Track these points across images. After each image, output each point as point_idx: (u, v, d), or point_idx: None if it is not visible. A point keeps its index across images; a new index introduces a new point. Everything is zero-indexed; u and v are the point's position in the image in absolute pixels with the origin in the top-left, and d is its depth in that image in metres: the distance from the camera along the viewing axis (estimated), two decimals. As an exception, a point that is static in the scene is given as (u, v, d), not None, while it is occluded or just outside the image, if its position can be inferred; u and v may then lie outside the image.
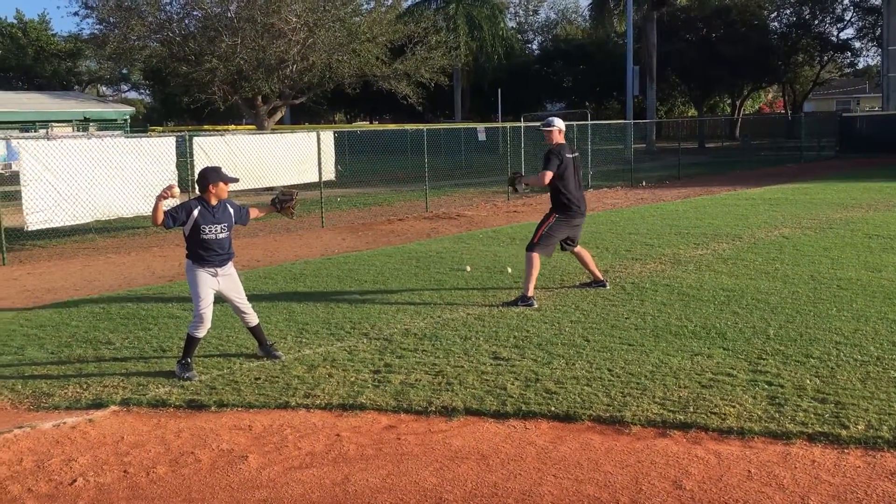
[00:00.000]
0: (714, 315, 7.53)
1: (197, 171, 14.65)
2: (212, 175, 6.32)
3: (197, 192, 6.47)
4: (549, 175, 8.33)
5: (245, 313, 6.52)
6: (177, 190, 6.05)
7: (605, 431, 4.91)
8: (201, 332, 6.26)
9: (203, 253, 6.26)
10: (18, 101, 37.13)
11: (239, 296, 6.49)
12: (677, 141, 30.97)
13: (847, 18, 52.48)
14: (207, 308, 6.24)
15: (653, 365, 6.06)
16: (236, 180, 6.55)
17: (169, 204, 6.42)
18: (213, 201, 6.32)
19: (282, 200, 6.81)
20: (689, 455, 4.53)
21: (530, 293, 8.22)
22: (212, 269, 6.29)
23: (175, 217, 6.22)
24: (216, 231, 6.27)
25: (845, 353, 6.20)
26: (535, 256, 8.36)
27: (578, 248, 8.86)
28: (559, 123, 8.57)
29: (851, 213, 15.12)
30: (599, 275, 8.97)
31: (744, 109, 59.04)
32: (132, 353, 6.90)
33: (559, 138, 8.52)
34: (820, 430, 4.74)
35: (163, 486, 4.36)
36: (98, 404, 5.63)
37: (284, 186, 19.09)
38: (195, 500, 4.20)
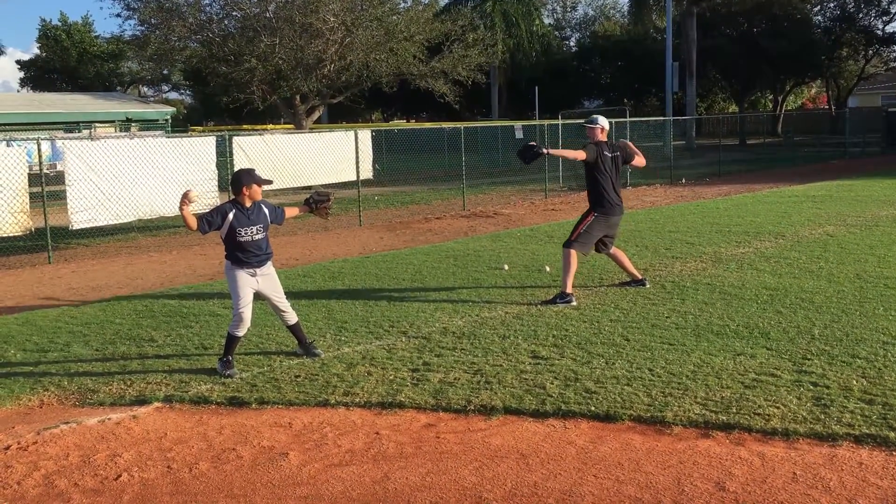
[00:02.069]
0: (757, 314, 7.41)
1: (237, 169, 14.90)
2: (245, 177, 6.38)
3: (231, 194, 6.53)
4: (583, 154, 8.41)
5: (284, 312, 6.57)
6: (194, 194, 6.13)
7: (645, 432, 4.86)
8: (241, 332, 6.33)
9: (241, 255, 6.34)
10: (63, 102, 37.85)
11: (278, 295, 6.55)
12: (718, 137, 30.59)
13: (893, 11, 51.29)
14: (246, 308, 6.30)
15: (694, 365, 5.99)
16: (270, 182, 6.63)
17: (195, 208, 6.53)
18: (248, 203, 6.39)
19: (317, 201, 6.81)
20: (732, 456, 4.46)
21: (569, 290, 8.20)
22: (250, 270, 6.36)
23: (210, 222, 6.31)
24: (252, 233, 6.34)
25: (893, 354, 6.06)
26: (573, 253, 8.35)
27: (613, 250, 8.81)
28: (603, 122, 8.63)
29: (898, 210, 14.78)
30: (638, 274, 8.91)
31: (786, 105, 58.07)
32: (174, 350, 6.99)
33: (601, 137, 8.58)
34: (867, 431, 4.64)
35: (205, 482, 4.41)
36: (141, 401, 5.72)
37: (321, 186, 19.24)
38: (237, 496, 4.24)
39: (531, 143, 8.32)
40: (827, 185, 20.75)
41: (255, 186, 6.37)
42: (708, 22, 46.81)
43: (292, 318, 6.64)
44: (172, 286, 10.03)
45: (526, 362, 6.23)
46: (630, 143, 9.08)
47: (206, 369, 6.35)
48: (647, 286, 8.75)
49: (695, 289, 8.59)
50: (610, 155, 8.54)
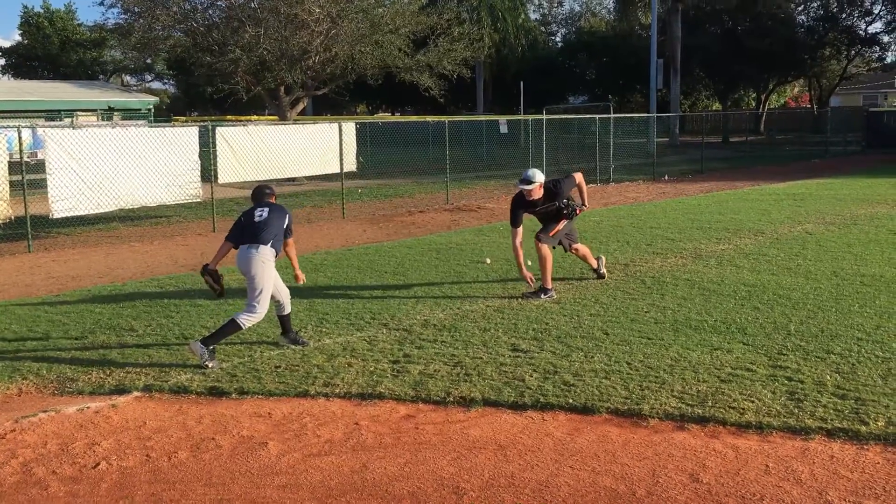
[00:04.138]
0: (735, 310, 7.49)
1: (220, 160, 14.85)
2: (269, 188, 6.94)
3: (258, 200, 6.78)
4: (579, 175, 8.76)
5: (284, 301, 6.67)
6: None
7: (622, 424, 4.91)
8: (249, 326, 6.39)
9: (279, 248, 6.54)
10: (44, 89, 37.48)
11: (281, 282, 6.67)
12: (701, 135, 30.72)
13: (876, 12, 51.67)
14: (268, 304, 6.42)
15: (672, 359, 6.06)
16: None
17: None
18: None
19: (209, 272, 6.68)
20: (706, 448, 4.52)
21: (550, 285, 8.30)
22: (274, 262, 6.50)
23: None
24: None
25: (867, 350, 6.16)
26: (548, 250, 8.43)
27: (577, 245, 8.89)
28: (541, 177, 8.41)
29: (876, 209, 14.96)
30: (594, 262, 9.08)
31: (769, 104, 58.44)
32: (155, 339, 6.98)
33: (539, 193, 8.36)
34: (839, 425, 4.72)
35: (184, 471, 4.43)
36: (121, 390, 5.72)
37: (305, 178, 19.16)
38: (216, 484, 4.26)
39: (567, 206, 8.57)
40: (807, 183, 20.95)
41: (274, 197, 6.88)
42: (693, 20, 47.03)
43: (288, 307, 6.71)
44: (153, 276, 9.99)
45: (506, 355, 6.27)
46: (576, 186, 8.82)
47: (187, 359, 6.34)
48: (604, 277, 9.02)
49: (674, 284, 8.67)
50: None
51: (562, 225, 8.54)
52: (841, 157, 32.42)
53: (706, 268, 9.54)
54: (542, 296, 8.18)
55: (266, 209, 6.57)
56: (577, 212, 8.68)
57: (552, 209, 8.48)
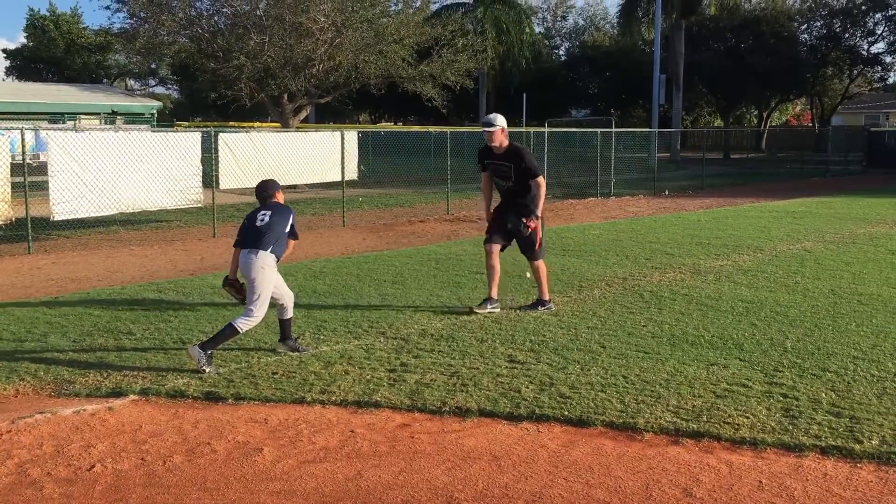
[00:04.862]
0: (732, 326, 7.51)
1: (222, 166, 14.89)
2: (275, 184, 6.85)
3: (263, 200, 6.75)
4: (543, 180, 8.02)
5: (286, 305, 6.67)
6: None
7: (617, 437, 4.92)
8: (246, 330, 6.40)
9: (283, 251, 6.54)
10: (48, 92, 37.59)
11: (285, 285, 6.69)
12: (702, 151, 30.83)
13: (878, 33, 51.96)
14: (266, 309, 6.42)
15: (668, 373, 6.07)
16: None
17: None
18: None
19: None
20: (700, 463, 4.53)
21: (546, 296, 8.27)
22: (276, 266, 6.50)
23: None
24: None
25: (862, 369, 6.17)
26: (542, 262, 8.23)
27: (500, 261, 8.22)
28: (502, 121, 7.86)
29: (876, 228, 15.00)
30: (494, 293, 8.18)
31: (770, 121, 58.60)
32: (152, 343, 6.99)
33: (501, 140, 7.86)
34: (833, 443, 4.73)
35: (179, 475, 4.43)
36: (118, 393, 5.72)
37: (306, 185, 19.20)
38: (210, 489, 4.27)
39: (519, 226, 7.87)
40: (807, 201, 20.99)
41: (281, 192, 6.83)
42: (696, 36, 47.22)
43: (290, 311, 6.72)
44: (153, 280, 10.01)
45: (502, 366, 6.28)
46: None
47: (184, 363, 6.36)
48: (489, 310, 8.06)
49: (672, 299, 8.69)
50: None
51: (541, 231, 8.08)
52: (841, 176, 32.49)
53: (704, 283, 9.56)
54: (540, 308, 8.16)
55: (269, 212, 6.55)
56: (531, 226, 7.85)
57: (504, 168, 7.89)
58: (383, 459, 4.62)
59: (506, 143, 7.89)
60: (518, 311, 8.15)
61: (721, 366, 6.26)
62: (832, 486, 4.25)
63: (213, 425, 5.14)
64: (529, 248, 8.08)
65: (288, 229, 6.58)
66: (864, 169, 35.66)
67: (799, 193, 23.40)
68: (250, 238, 6.43)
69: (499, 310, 8.07)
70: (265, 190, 6.76)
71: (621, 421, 5.12)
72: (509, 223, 8.02)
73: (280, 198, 6.77)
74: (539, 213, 7.94)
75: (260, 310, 6.34)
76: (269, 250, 6.38)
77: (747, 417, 5.14)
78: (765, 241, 13.27)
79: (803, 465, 4.50)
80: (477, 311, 7.96)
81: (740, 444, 4.77)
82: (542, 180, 7.97)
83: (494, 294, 8.12)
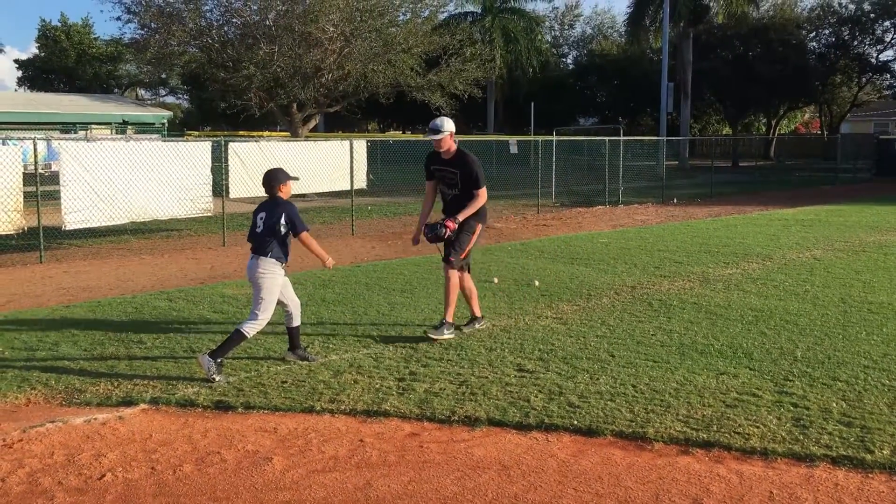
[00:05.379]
0: (741, 335, 7.49)
1: (232, 175, 14.96)
2: (281, 175, 6.56)
3: (266, 192, 6.61)
4: (485, 194, 7.46)
5: (293, 312, 6.66)
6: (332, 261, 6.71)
7: (627, 447, 4.91)
8: (253, 334, 6.39)
9: (286, 252, 6.47)
10: (60, 102, 37.86)
11: (292, 292, 6.67)
12: (710, 159, 30.78)
13: (887, 40, 51.80)
14: (271, 314, 6.39)
15: (677, 382, 6.06)
16: (297, 178, 6.77)
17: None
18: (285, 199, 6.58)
19: None
20: (710, 473, 4.52)
21: (450, 318, 7.41)
22: (282, 270, 6.45)
23: (303, 219, 6.50)
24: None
25: (873, 378, 6.14)
26: (457, 274, 7.47)
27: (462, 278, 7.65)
28: (450, 126, 7.37)
29: (885, 236, 14.94)
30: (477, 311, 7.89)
31: (779, 129, 58.47)
32: (163, 352, 7.02)
33: (449, 145, 7.40)
34: (844, 453, 4.71)
35: (189, 484, 4.45)
36: (128, 402, 5.75)
37: (315, 194, 19.25)
38: (220, 499, 4.28)
39: (436, 226, 7.33)
40: (816, 209, 20.93)
41: (288, 184, 6.57)
42: (704, 44, 47.22)
43: (297, 319, 6.71)
44: (163, 289, 10.05)
45: (511, 375, 6.28)
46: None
47: (194, 372, 6.38)
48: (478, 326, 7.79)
49: (681, 307, 8.67)
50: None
51: (472, 243, 7.52)
52: (850, 183, 32.38)
53: (713, 292, 9.54)
54: (446, 331, 7.28)
55: (264, 213, 6.46)
56: (448, 226, 7.33)
57: (451, 175, 7.44)
58: (392, 469, 4.62)
59: (454, 148, 7.44)
60: (526, 320, 8.13)
61: (731, 375, 6.24)
62: (843, 497, 4.23)
63: (223, 434, 5.16)
64: (447, 251, 7.44)
65: (284, 229, 6.38)
66: (873, 177, 35.52)
67: (808, 201, 23.33)
68: (253, 243, 6.47)
69: (485, 325, 7.73)
70: (267, 182, 6.55)
71: (631, 430, 5.11)
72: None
73: (284, 191, 6.53)
74: (461, 219, 7.36)
75: (264, 314, 6.34)
76: (270, 255, 6.37)
77: (758, 427, 5.13)
78: (774, 249, 13.23)
79: (814, 476, 4.48)
80: (464, 330, 7.65)
81: (751, 454, 4.76)
82: (483, 193, 7.44)
83: (477, 312, 7.82)
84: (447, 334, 7.31)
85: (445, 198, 7.65)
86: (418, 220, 7.86)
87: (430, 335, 7.28)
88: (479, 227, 7.60)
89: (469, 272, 7.74)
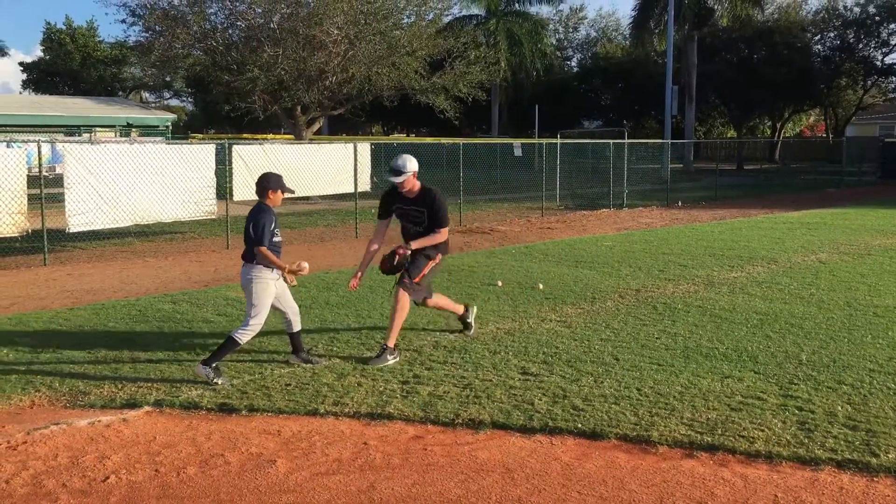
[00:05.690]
0: (746, 338, 7.47)
1: (236, 178, 14.98)
2: (273, 181, 6.41)
3: (256, 196, 6.51)
4: (446, 233, 7.18)
5: (292, 319, 6.64)
6: (305, 266, 6.41)
7: (631, 450, 4.90)
8: (246, 341, 6.37)
9: (271, 258, 6.38)
10: (64, 105, 37.95)
11: (290, 299, 6.64)
12: (715, 162, 30.76)
13: (893, 43, 51.72)
14: (264, 319, 6.36)
15: (682, 386, 6.04)
16: (292, 192, 6.69)
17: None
18: (271, 206, 6.44)
19: None
20: (715, 477, 4.51)
21: (392, 343, 6.94)
22: (274, 275, 6.39)
23: (274, 233, 6.30)
24: (279, 234, 6.43)
25: (879, 381, 6.12)
26: (407, 299, 7.08)
27: (432, 300, 7.47)
28: (413, 166, 7.00)
29: (891, 239, 14.90)
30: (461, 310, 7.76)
31: (784, 132, 58.40)
32: (166, 355, 7.02)
33: (413, 184, 7.05)
34: (849, 457, 4.69)
35: (192, 487, 4.45)
36: (132, 404, 5.75)
37: (319, 197, 19.27)
38: (224, 501, 4.28)
39: (393, 255, 6.94)
40: (822, 212, 20.88)
41: (280, 192, 6.43)
42: (708, 47, 47.14)
43: (297, 325, 6.69)
44: (167, 291, 10.06)
45: (515, 378, 6.27)
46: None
47: (197, 375, 6.37)
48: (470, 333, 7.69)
49: (686, 311, 8.65)
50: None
51: (428, 268, 7.16)
52: (856, 186, 32.31)
53: (718, 295, 9.52)
54: (389, 357, 6.76)
55: (246, 220, 6.38)
56: (398, 252, 6.94)
57: (416, 213, 7.09)
58: (396, 472, 4.62)
59: (417, 186, 7.06)
60: (531, 323, 8.12)
61: (736, 378, 6.22)
62: (848, 501, 4.22)
63: (227, 437, 5.16)
64: (402, 274, 7.06)
65: (254, 235, 6.21)
66: (878, 180, 35.44)
67: (813, 204, 23.28)
68: (245, 248, 6.43)
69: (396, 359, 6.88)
70: (258, 185, 6.42)
71: (635, 434, 5.09)
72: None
73: (272, 198, 6.37)
74: (414, 247, 7.01)
75: (256, 319, 6.32)
76: (256, 262, 6.33)
77: (762, 430, 5.11)
78: (779, 252, 13.20)
79: (819, 479, 4.46)
80: (467, 333, 7.55)
81: (755, 458, 4.74)
82: (445, 232, 7.14)
83: (460, 310, 7.66)
84: (390, 360, 6.73)
85: (408, 234, 7.24)
86: (361, 260, 7.35)
87: (370, 364, 6.67)
88: (439, 256, 7.25)
89: (431, 297, 7.41)
